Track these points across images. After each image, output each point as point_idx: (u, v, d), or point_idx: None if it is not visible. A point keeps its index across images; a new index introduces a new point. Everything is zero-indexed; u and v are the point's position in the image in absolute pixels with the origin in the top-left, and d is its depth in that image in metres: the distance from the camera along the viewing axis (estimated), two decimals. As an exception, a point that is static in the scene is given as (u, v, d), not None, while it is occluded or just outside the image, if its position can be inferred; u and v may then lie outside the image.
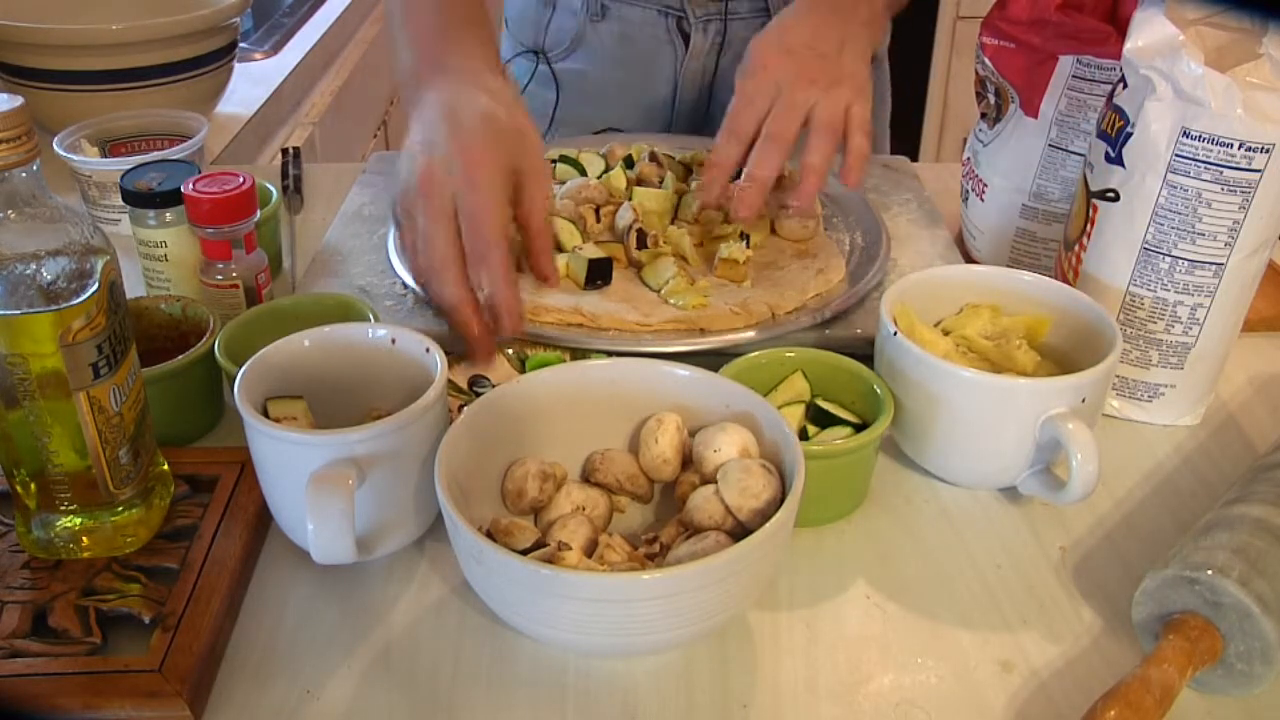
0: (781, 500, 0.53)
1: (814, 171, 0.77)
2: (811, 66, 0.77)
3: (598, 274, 0.78)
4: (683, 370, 0.61)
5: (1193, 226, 0.65)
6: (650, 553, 0.55)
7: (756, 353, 0.67)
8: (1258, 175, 0.62)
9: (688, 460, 0.60)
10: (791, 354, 0.67)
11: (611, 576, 0.49)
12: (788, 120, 0.76)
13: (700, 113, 1.10)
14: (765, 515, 0.52)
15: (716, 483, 0.56)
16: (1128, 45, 0.65)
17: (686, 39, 1.06)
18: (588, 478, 0.61)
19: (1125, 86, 0.66)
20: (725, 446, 0.57)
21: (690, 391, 0.60)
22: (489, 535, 0.53)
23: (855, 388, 0.66)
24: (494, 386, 0.69)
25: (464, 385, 0.69)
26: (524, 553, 0.51)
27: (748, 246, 0.80)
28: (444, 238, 0.67)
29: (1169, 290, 0.67)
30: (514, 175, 0.70)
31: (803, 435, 0.65)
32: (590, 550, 0.55)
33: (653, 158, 0.91)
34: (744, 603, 0.53)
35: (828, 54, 0.78)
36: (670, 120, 1.11)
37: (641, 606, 0.48)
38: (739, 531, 0.54)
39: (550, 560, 0.51)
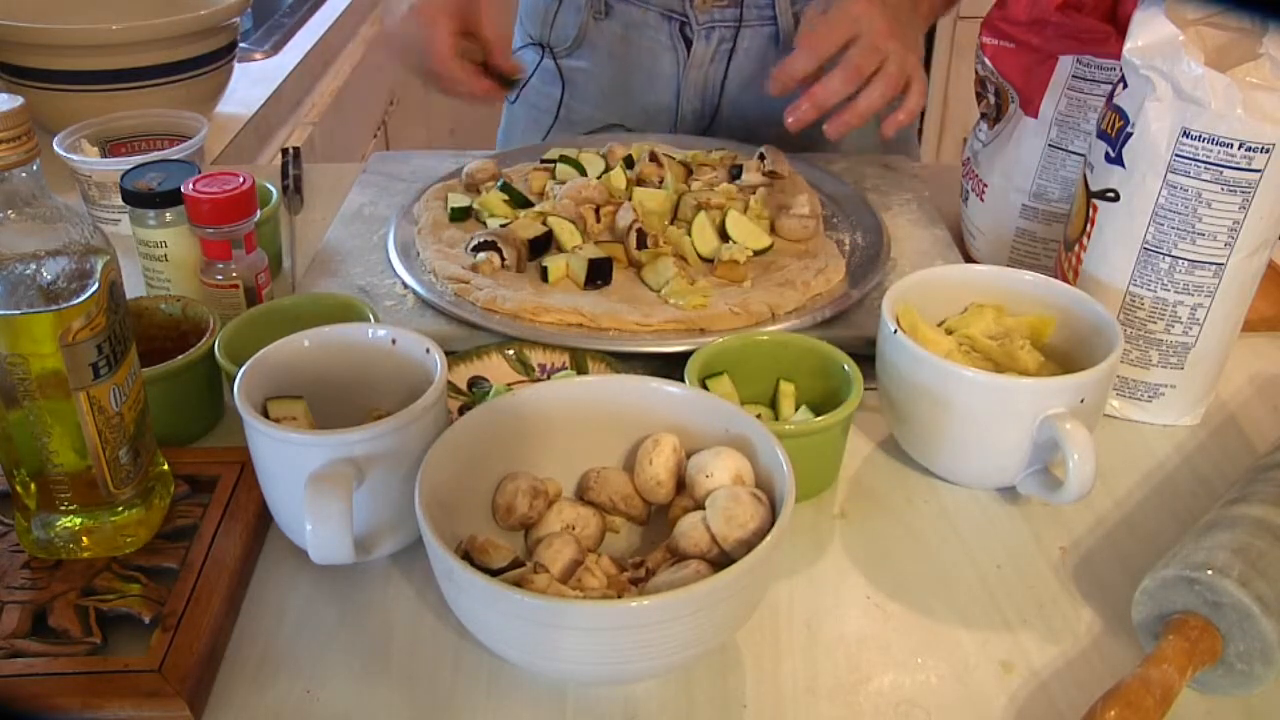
0: (770, 529, 0.51)
1: (859, 114, 0.82)
2: (895, 24, 0.81)
3: (598, 274, 0.78)
4: (682, 390, 0.60)
5: (1193, 226, 0.65)
6: (635, 577, 0.54)
7: (727, 337, 0.67)
8: (1258, 175, 0.62)
9: (684, 483, 0.58)
10: (764, 337, 0.68)
11: (566, 604, 0.47)
12: (868, 59, 0.81)
13: (704, 121, 1.09)
14: (750, 545, 0.50)
15: (705, 509, 0.55)
16: (1128, 45, 0.65)
17: (689, 45, 1.05)
18: (582, 495, 0.60)
19: (1125, 86, 0.66)
20: (718, 472, 0.55)
21: (689, 411, 0.59)
22: (466, 552, 0.52)
23: (827, 369, 0.66)
24: (492, 386, 0.69)
25: (463, 386, 0.69)
26: (495, 572, 0.50)
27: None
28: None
29: (1169, 290, 0.67)
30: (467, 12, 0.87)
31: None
32: (573, 571, 0.54)
33: (653, 158, 0.91)
34: (719, 635, 0.51)
35: (905, 20, 0.84)
36: (674, 126, 1.09)
37: (604, 636, 0.47)
38: (723, 561, 0.52)
39: (519, 583, 0.50)
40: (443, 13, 0.88)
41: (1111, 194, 0.68)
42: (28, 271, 0.50)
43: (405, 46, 0.90)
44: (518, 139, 1.17)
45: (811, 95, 0.82)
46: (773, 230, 0.85)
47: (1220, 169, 0.63)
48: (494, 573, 0.50)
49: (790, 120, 0.83)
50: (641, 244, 0.81)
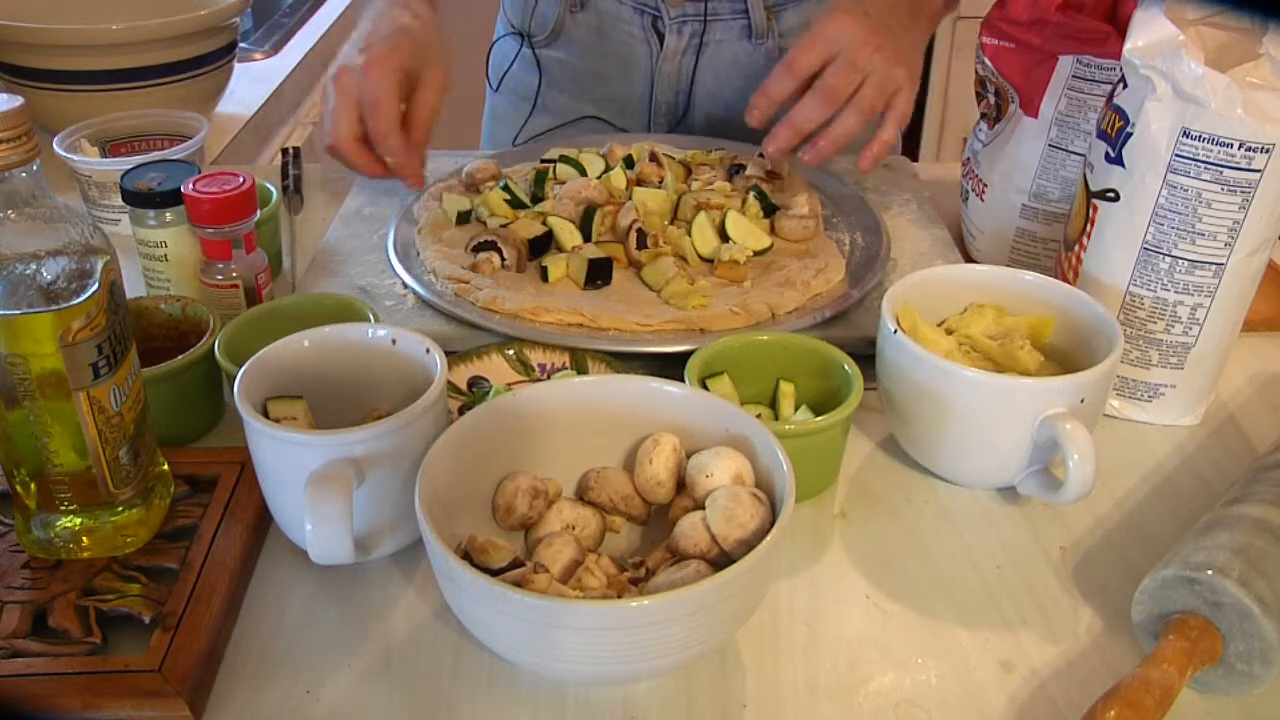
0: (770, 529, 0.51)
1: (834, 141, 0.81)
2: (879, 35, 0.79)
3: (598, 274, 0.79)
4: (682, 390, 0.59)
5: (1193, 226, 0.65)
6: (635, 577, 0.54)
7: (727, 337, 0.67)
8: (1258, 175, 0.62)
9: (684, 483, 0.58)
10: (764, 337, 0.68)
11: (566, 604, 0.46)
12: (844, 79, 0.79)
13: (677, 113, 1.10)
14: (750, 545, 0.50)
15: (705, 509, 0.54)
16: (1128, 45, 0.65)
17: (662, 38, 1.06)
18: (582, 495, 0.60)
19: (1125, 86, 0.66)
20: (718, 472, 0.55)
21: (689, 411, 0.59)
22: (466, 552, 0.52)
23: (827, 369, 0.66)
24: (492, 386, 0.69)
25: (463, 386, 0.69)
26: (495, 572, 0.50)
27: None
28: (347, 121, 0.85)
29: (1169, 290, 0.67)
30: (411, 77, 0.86)
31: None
32: (573, 571, 0.54)
33: (653, 158, 0.91)
34: (719, 635, 0.51)
35: (896, 30, 0.81)
36: (648, 117, 1.11)
37: (604, 636, 0.47)
38: (723, 561, 0.52)
39: (519, 583, 0.50)
40: (393, 69, 0.85)
41: (1111, 194, 0.68)
42: (28, 271, 0.50)
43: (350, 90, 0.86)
44: (500, 125, 1.19)
45: (788, 121, 0.80)
46: (772, 230, 0.85)
47: (1220, 169, 0.63)
48: (494, 573, 0.50)
49: (770, 149, 0.83)
50: (641, 244, 0.81)
